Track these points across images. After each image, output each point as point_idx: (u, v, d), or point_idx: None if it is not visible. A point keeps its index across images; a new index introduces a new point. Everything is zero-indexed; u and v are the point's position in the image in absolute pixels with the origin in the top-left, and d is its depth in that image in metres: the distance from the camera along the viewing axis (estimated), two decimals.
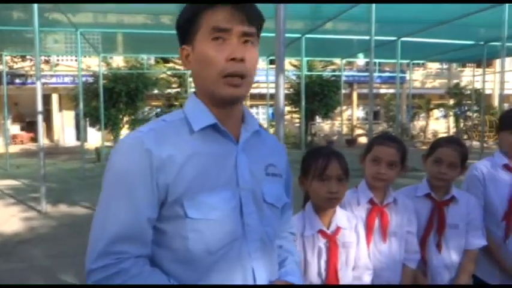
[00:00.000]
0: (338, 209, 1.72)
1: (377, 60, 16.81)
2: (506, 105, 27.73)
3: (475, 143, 17.08)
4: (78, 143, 19.67)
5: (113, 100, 15.81)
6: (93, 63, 16.56)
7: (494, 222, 2.14)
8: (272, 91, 4.75)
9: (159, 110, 23.04)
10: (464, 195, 2.05)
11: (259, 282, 1.08)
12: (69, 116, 23.28)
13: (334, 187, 1.60)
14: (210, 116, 1.07)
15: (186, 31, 1.06)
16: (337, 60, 18.65)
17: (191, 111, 1.09)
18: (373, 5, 7.69)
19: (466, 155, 1.98)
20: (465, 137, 21.81)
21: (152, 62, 21.63)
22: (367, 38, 8.43)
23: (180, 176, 0.99)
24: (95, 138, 18.71)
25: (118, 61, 18.41)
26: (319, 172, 1.61)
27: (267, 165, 1.17)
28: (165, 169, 0.99)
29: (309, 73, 18.79)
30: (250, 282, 1.06)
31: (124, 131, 17.81)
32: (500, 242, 2.13)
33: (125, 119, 16.87)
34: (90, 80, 15.97)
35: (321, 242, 1.65)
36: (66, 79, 21.17)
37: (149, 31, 10.82)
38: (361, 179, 1.92)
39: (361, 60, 23.87)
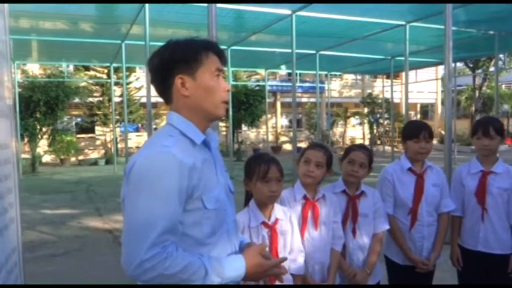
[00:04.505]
0: (275, 204, 2.10)
1: (298, 71, 17.78)
2: (412, 113, 30.59)
3: (387, 148, 18.69)
4: None
5: (30, 110, 14.98)
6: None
7: (403, 215, 2.65)
8: None
9: (79, 119, 22.09)
10: (370, 190, 2.54)
11: (236, 249, 1.49)
12: None
13: (274, 187, 1.98)
14: (200, 133, 1.42)
15: (186, 65, 1.37)
16: (261, 71, 19.39)
17: (185, 128, 1.40)
18: (294, 21, 8.31)
19: (372, 158, 2.49)
20: (378, 142, 23.70)
21: (71, 69, 20.71)
22: (289, 51, 9.03)
23: (200, 178, 1.33)
24: None
25: (34, 68, 17.44)
26: (262, 175, 1.97)
27: (223, 164, 1.56)
28: (192, 174, 1.31)
29: (235, 83, 19.30)
30: (234, 252, 1.46)
31: (43, 142, 16.86)
32: (407, 230, 2.64)
33: (44, 129, 16.02)
34: None
35: (264, 231, 2.01)
36: None
37: (67, 38, 10.50)
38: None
39: (283, 71, 24.92)
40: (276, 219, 2.04)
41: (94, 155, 21.25)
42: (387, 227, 2.51)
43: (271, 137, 23.41)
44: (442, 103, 30.70)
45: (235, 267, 1.36)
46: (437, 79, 28.68)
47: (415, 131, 2.63)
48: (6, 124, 1.29)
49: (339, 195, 2.44)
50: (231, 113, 12.57)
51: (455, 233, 2.84)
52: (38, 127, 15.68)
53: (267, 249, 1.99)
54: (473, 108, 25.98)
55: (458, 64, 18.82)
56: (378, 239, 2.48)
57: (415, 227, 2.63)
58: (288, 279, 2.05)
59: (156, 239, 1.22)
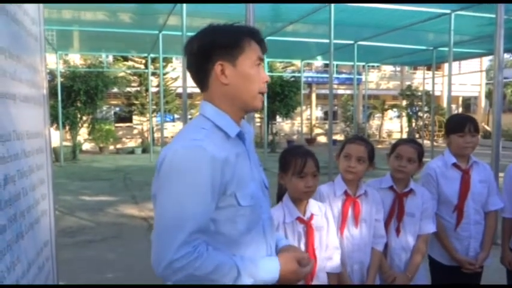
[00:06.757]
0: (310, 199, 2.00)
1: (335, 63, 17.40)
2: (453, 106, 29.45)
3: (426, 142, 18.08)
4: None
5: (71, 99, 15.45)
6: (49, 61, 16.08)
7: (447, 212, 2.50)
8: None
9: (118, 109, 22.65)
10: (420, 189, 2.39)
11: (272, 249, 1.40)
12: None
13: (310, 182, 1.88)
14: (235, 125, 1.34)
15: (227, 51, 1.29)
16: (297, 62, 19.13)
17: (219, 120, 1.32)
18: (333, 11, 8.07)
19: (422, 152, 2.34)
20: (417, 136, 22.98)
21: (110, 59, 21.21)
22: (326, 41, 8.80)
23: (234, 174, 1.26)
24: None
25: (75, 59, 17.98)
26: (298, 170, 1.87)
27: (257, 158, 1.48)
28: (225, 170, 1.23)
29: (270, 74, 19.16)
30: (270, 251, 1.38)
31: (83, 130, 17.40)
32: (452, 229, 2.50)
33: (84, 118, 16.52)
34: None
35: (300, 227, 1.92)
36: None
37: (107, 29, 10.70)
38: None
39: (318, 62, 24.52)
40: (311, 215, 1.95)
41: (131, 143, 21.76)
42: (434, 229, 2.36)
43: (305, 129, 23.15)
44: (486, 96, 29.38)
45: (270, 269, 1.29)
46: (481, 71, 27.39)
47: (460, 124, 2.48)
48: (40, 112, 1.27)
49: (385, 191, 2.31)
50: (266, 104, 12.47)
51: (506, 236, 2.65)
52: (79, 116, 16.17)
53: (303, 247, 1.91)
54: None
55: (506, 55, 17.88)
56: (424, 240, 2.34)
57: (461, 225, 2.48)
58: (323, 279, 1.97)
59: (186, 238, 1.16)
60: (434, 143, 13.87)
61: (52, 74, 15.15)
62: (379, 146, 18.77)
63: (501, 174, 3.41)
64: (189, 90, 7.06)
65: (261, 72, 1.34)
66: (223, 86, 1.31)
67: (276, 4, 8.56)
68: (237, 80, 1.30)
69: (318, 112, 28.46)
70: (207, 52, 1.30)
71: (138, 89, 20.97)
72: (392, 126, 28.09)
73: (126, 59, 20.78)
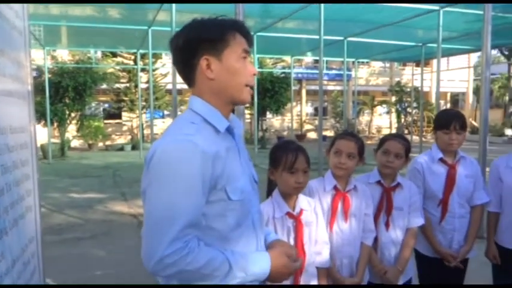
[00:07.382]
0: (300, 195, 2.01)
1: (325, 59, 17.42)
2: (442, 102, 29.72)
3: (415, 138, 18.24)
4: None
5: (59, 95, 15.26)
6: (36, 57, 15.88)
7: (433, 206, 2.54)
8: None
9: (107, 105, 22.44)
10: (407, 182, 2.42)
11: (261, 243, 1.40)
12: None
13: (301, 178, 1.88)
14: (224, 119, 1.33)
15: (212, 45, 1.28)
16: (287, 58, 19.12)
17: (208, 114, 1.31)
18: (322, 7, 8.07)
19: (409, 148, 2.36)
20: (406, 131, 23.18)
21: (99, 55, 20.98)
22: (316, 37, 8.80)
23: (224, 168, 1.24)
24: (38, 134, 17.93)
25: (63, 55, 17.76)
26: (289, 166, 1.87)
27: (247, 153, 1.47)
28: (215, 164, 1.22)
29: (260, 70, 19.14)
30: (259, 245, 1.38)
31: (72, 127, 17.21)
32: (437, 222, 2.53)
33: (72, 114, 16.34)
34: (34, 74, 15.28)
35: (289, 222, 1.93)
36: None
37: (96, 24, 10.57)
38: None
39: (308, 58, 24.54)
40: (301, 210, 1.96)
41: (121, 140, 21.60)
42: (422, 222, 2.39)
43: (295, 125, 23.20)
44: (474, 92, 29.71)
45: (260, 264, 1.30)
46: (469, 67, 27.67)
47: (446, 121, 2.50)
48: (24, 107, 1.25)
49: (373, 186, 2.33)
50: (256, 100, 12.44)
51: (491, 229, 2.69)
52: (67, 112, 15.98)
53: (292, 242, 1.92)
54: (506, 98, 25.05)
55: (493, 51, 18.08)
56: (412, 234, 2.36)
57: (445, 219, 2.52)
58: (312, 273, 1.98)
59: (177, 234, 1.15)
60: (423, 139, 14.00)
61: (39, 70, 14.96)
62: (369, 142, 18.88)
63: (488, 169, 3.45)
64: (178, 87, 7.01)
65: (247, 65, 1.33)
66: (210, 81, 1.30)
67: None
68: (223, 74, 1.30)
69: (308, 108, 28.52)
70: (192, 47, 1.29)
71: (128, 85, 20.77)
72: (381, 122, 28.28)
73: (115, 55, 20.56)
